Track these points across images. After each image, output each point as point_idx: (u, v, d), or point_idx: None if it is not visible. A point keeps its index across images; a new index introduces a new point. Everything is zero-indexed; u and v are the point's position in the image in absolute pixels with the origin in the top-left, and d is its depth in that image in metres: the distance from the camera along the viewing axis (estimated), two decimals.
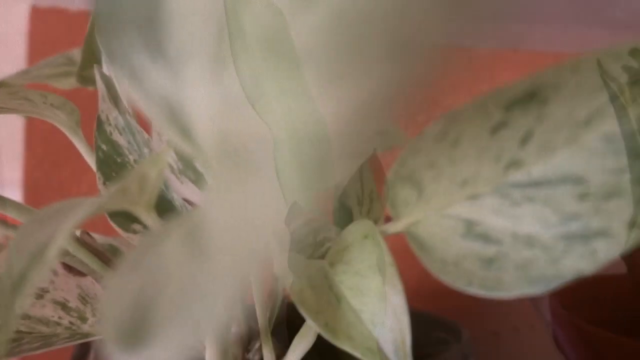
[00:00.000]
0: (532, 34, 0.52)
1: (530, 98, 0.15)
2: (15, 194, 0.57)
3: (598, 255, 0.15)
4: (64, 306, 0.24)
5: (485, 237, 0.17)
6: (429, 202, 0.18)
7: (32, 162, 0.56)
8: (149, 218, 0.20)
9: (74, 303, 0.24)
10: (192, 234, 0.13)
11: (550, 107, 0.15)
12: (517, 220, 0.16)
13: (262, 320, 0.27)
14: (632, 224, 0.15)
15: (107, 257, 0.23)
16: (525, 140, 0.16)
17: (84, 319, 0.25)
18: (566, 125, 0.15)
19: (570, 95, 0.15)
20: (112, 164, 0.29)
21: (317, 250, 0.32)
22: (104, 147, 0.29)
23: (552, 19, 0.49)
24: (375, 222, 0.39)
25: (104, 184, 0.27)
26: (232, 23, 0.12)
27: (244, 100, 0.13)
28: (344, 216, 0.36)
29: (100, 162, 0.28)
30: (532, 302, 0.42)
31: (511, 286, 0.16)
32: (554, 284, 0.16)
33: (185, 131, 0.15)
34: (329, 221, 0.33)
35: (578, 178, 0.16)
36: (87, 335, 0.24)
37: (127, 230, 0.28)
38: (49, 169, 0.55)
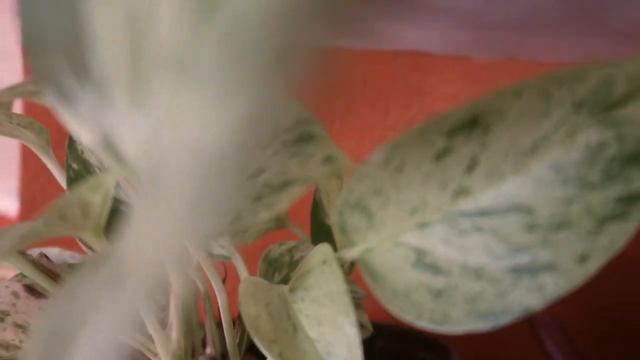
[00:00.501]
0: (531, 44, 0.51)
1: (473, 124, 0.14)
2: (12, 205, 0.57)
3: (546, 291, 0.14)
4: (25, 329, 0.24)
5: (435, 268, 0.16)
6: (380, 230, 0.17)
7: (28, 175, 0.56)
8: (97, 243, 0.19)
9: None
10: (111, 263, 0.13)
11: (494, 133, 0.14)
12: (466, 251, 0.16)
13: (230, 341, 0.26)
14: (582, 259, 0.14)
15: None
16: (471, 167, 0.15)
17: None
18: (512, 152, 0.15)
19: (514, 121, 0.14)
20: (82, 181, 0.29)
21: (293, 271, 0.32)
22: (75, 165, 0.28)
23: (549, 28, 0.48)
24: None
25: None
26: (138, 43, 0.11)
27: (163, 125, 0.12)
28: (321, 235, 0.36)
29: (70, 181, 0.28)
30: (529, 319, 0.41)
31: (459, 320, 0.16)
32: (503, 320, 0.15)
33: (118, 156, 0.15)
34: (307, 239, 0.33)
35: (526, 208, 0.15)
36: None
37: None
38: (44, 183, 0.55)
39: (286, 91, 0.09)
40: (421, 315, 0.16)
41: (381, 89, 0.69)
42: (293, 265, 0.31)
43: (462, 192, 0.16)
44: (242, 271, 0.25)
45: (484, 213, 0.15)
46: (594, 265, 0.14)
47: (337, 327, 0.19)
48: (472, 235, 0.16)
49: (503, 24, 0.56)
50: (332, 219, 0.18)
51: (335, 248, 0.30)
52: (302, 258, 0.32)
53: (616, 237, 0.14)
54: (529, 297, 0.15)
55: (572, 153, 0.14)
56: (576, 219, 0.14)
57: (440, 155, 0.15)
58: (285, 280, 0.31)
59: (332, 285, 0.19)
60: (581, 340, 0.42)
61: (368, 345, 0.38)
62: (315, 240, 0.35)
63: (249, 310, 0.20)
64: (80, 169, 0.28)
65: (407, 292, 0.17)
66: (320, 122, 0.17)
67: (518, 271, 0.15)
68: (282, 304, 0.21)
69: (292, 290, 0.22)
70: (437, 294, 0.16)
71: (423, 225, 0.16)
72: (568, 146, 0.14)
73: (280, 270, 0.31)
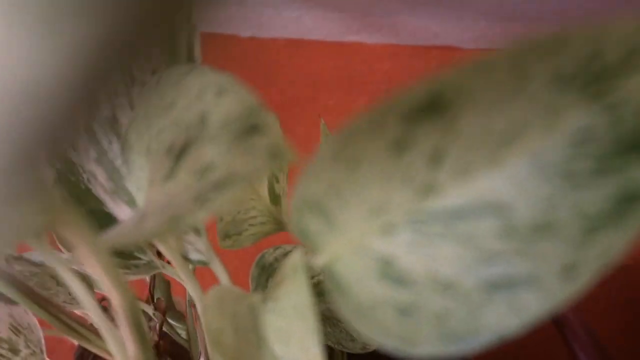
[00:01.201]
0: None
1: (435, 106, 0.12)
2: None
3: (525, 310, 0.12)
4: None
5: (400, 280, 0.14)
6: (341, 234, 0.15)
7: None
8: None
9: (4, 333, 0.23)
10: None
11: (462, 117, 0.12)
12: (434, 260, 0.13)
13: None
14: (569, 270, 0.11)
15: (27, 287, 0.21)
16: (436, 160, 0.13)
17: (15, 351, 0.23)
18: (485, 141, 0.12)
19: (485, 102, 0.12)
20: (66, 182, 0.27)
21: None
22: (57, 165, 0.27)
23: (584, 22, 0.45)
24: None
25: None
26: None
27: None
28: None
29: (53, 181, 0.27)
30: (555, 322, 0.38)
31: (428, 342, 0.13)
32: (472, 344, 0.12)
33: None
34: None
35: (502, 208, 0.12)
36: None
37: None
38: None
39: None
40: (388, 334, 0.14)
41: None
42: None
43: (429, 189, 0.13)
44: (222, 277, 0.23)
45: (454, 214, 0.13)
46: (583, 278, 0.11)
47: (302, 346, 0.17)
48: (441, 241, 0.13)
49: (537, 16, 0.53)
50: (291, 222, 0.15)
51: None
52: None
53: (611, 244, 0.11)
54: (504, 317, 0.12)
55: (556, 141, 0.11)
56: (562, 222, 0.12)
57: (400, 145, 0.13)
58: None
59: (298, 297, 0.17)
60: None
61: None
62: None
63: (212, 322, 0.18)
64: (63, 168, 0.27)
65: (372, 308, 0.14)
66: (269, 111, 0.14)
67: (493, 285, 0.12)
68: (250, 316, 0.19)
69: (264, 301, 0.20)
70: (403, 310, 0.14)
71: (388, 229, 0.14)
72: (551, 132, 0.11)
73: (275, 276, 0.29)
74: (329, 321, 0.32)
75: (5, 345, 0.23)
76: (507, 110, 0.12)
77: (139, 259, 0.26)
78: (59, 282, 0.29)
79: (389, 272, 0.14)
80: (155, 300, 0.32)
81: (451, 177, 0.13)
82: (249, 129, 0.14)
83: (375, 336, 0.14)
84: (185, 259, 0.23)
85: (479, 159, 0.12)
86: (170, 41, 0.20)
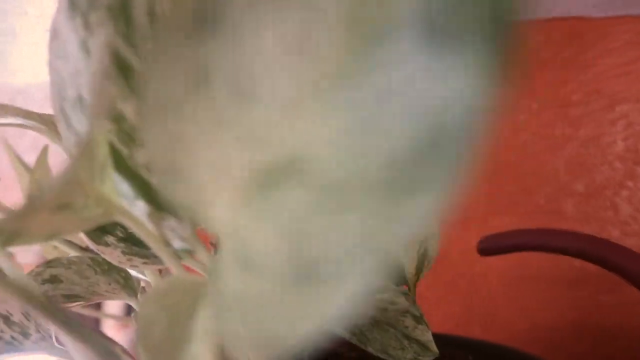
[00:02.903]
0: None
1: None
2: None
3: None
4: (6, 319, 0.23)
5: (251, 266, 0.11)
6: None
7: None
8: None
9: (17, 317, 0.23)
10: None
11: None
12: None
13: None
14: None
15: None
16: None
17: (26, 335, 0.24)
18: None
19: None
20: None
21: None
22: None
23: None
24: (422, 244, 0.31)
25: None
26: None
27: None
28: None
29: None
30: None
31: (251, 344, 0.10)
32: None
33: None
34: None
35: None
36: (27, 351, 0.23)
37: (98, 242, 0.27)
38: None
39: None
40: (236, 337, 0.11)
41: (530, 64, 0.58)
42: None
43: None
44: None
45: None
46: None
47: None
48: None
49: None
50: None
51: None
52: None
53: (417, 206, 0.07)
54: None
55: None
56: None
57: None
58: None
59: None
60: None
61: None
62: None
63: (146, 312, 0.17)
64: None
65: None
66: None
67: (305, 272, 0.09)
68: (190, 308, 0.17)
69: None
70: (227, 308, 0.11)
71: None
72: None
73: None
74: (378, 325, 0.29)
75: (17, 329, 0.24)
76: None
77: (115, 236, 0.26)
78: (97, 271, 0.30)
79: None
80: None
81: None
82: None
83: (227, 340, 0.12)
84: (169, 246, 0.22)
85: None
86: None
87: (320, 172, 0.09)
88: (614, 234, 0.52)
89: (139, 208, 0.22)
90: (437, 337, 0.41)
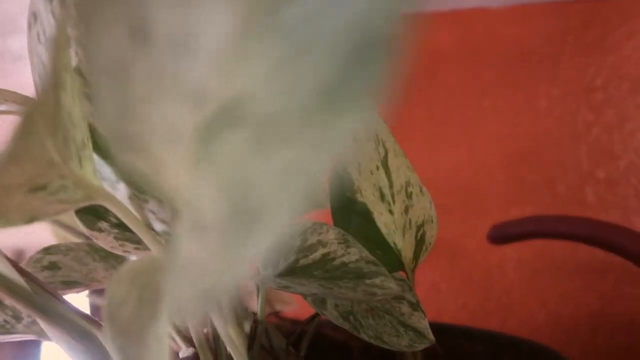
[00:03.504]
0: None
1: None
2: None
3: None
4: None
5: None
6: None
7: None
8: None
9: (9, 301, 0.24)
10: None
11: None
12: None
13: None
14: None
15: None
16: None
17: (18, 318, 0.24)
18: None
19: None
20: None
21: (305, 258, 0.26)
22: None
23: None
24: (419, 229, 0.30)
25: None
26: None
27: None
28: (348, 215, 0.29)
29: None
30: None
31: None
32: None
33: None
34: (325, 223, 0.27)
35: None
36: (19, 334, 0.23)
37: (92, 228, 0.27)
38: None
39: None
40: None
41: (548, 50, 0.56)
42: (304, 250, 0.26)
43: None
44: None
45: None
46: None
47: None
48: None
49: None
50: None
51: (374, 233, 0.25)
52: (318, 242, 0.26)
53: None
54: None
55: None
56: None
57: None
58: (292, 268, 0.26)
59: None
60: None
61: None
62: (338, 221, 0.29)
63: (116, 293, 0.17)
64: None
65: None
66: None
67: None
68: (159, 287, 0.17)
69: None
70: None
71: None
72: None
73: (287, 256, 0.26)
74: (374, 312, 0.28)
75: (10, 312, 0.24)
76: None
77: (109, 222, 0.26)
78: (95, 258, 0.30)
79: None
80: None
81: None
82: None
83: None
84: (151, 229, 0.22)
85: None
86: None
87: (257, 109, 0.09)
88: (637, 223, 0.50)
89: (121, 191, 0.22)
90: (445, 328, 0.40)
